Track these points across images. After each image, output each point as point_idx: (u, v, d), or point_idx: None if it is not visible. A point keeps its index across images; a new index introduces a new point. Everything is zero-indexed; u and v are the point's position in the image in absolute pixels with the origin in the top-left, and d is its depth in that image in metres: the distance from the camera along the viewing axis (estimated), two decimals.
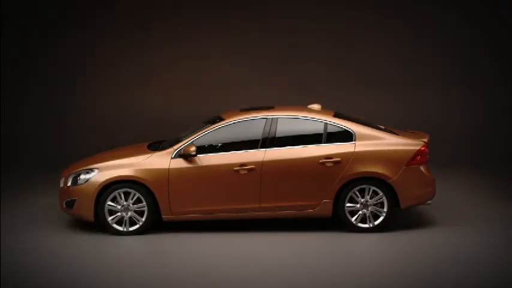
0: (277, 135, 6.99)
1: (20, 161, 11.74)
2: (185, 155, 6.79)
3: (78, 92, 12.74)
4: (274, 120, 7.03)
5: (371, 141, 6.91)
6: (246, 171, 6.77)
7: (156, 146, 7.39)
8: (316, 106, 7.55)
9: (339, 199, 6.85)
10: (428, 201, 7.03)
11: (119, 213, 6.88)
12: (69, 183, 7.05)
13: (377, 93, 12.33)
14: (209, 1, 12.67)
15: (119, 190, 6.84)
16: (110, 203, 6.85)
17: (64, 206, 7.10)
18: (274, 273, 5.64)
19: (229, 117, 7.11)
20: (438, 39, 12.40)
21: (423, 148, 6.91)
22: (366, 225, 6.89)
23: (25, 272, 5.72)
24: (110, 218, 6.87)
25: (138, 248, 6.59)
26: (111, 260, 6.13)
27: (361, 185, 6.82)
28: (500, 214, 7.73)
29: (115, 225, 6.90)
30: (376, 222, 6.87)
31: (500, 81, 12.33)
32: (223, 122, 7.02)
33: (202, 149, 6.89)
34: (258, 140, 6.92)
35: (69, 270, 5.77)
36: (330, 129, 6.99)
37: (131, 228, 6.90)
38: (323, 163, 6.78)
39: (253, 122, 7.04)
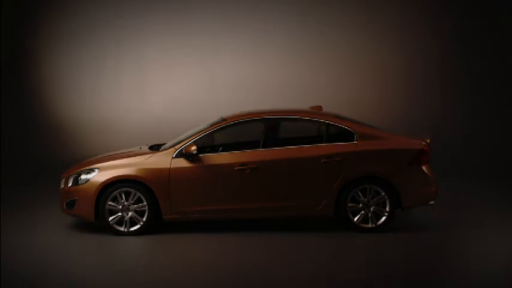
0: (278, 136, 7.00)
1: (21, 161, 11.72)
2: (186, 155, 6.77)
3: (81, 95, 12.73)
4: (275, 121, 7.03)
5: (372, 140, 6.89)
6: (247, 171, 6.75)
7: (157, 147, 7.38)
8: (317, 107, 7.57)
9: (340, 199, 6.83)
10: (431, 202, 6.99)
11: (120, 213, 6.85)
12: (69, 184, 7.02)
13: (377, 96, 12.33)
14: (210, 1, 12.68)
15: (120, 190, 6.81)
16: (110, 202, 6.82)
17: (65, 206, 7.07)
18: (275, 273, 5.61)
19: (231, 118, 7.09)
20: (437, 39, 12.42)
21: (425, 148, 6.88)
22: (368, 225, 6.86)
23: (25, 272, 5.68)
24: (110, 218, 6.84)
25: (139, 248, 6.56)
26: (111, 261, 6.10)
27: (363, 184, 6.80)
28: (500, 214, 7.72)
29: (115, 226, 6.87)
30: (378, 222, 6.85)
31: (500, 82, 12.33)
32: (224, 123, 7.01)
33: (203, 149, 6.88)
34: (259, 140, 6.91)
35: (69, 271, 5.73)
36: (332, 129, 6.98)
37: (132, 229, 6.87)
38: (325, 163, 6.76)
39: (254, 123, 7.05)
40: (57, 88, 12.77)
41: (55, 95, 12.75)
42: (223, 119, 7.11)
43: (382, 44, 12.47)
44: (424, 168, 6.89)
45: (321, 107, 7.63)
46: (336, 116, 7.16)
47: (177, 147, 6.89)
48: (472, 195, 9.04)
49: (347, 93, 12.27)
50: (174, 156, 6.84)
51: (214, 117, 7.46)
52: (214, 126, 7.00)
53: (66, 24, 12.71)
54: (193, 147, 6.72)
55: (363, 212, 6.84)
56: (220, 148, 7.00)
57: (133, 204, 6.83)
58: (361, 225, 6.85)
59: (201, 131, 6.99)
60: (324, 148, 6.84)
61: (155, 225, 6.98)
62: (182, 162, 6.80)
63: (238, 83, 12.49)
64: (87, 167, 7.02)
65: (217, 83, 12.58)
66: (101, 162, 7.02)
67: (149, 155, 6.92)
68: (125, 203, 6.83)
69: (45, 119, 12.62)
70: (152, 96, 12.66)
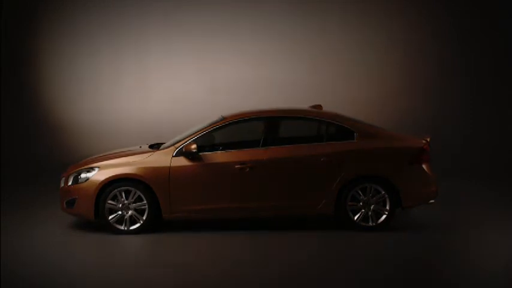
0: (278, 135, 7.01)
1: (21, 161, 11.72)
2: (186, 153, 6.76)
3: (81, 95, 12.73)
4: (275, 120, 7.02)
5: (372, 139, 6.89)
6: (247, 170, 6.74)
7: (157, 146, 7.37)
8: (317, 106, 7.56)
9: (340, 198, 6.82)
10: (431, 201, 6.99)
11: (119, 212, 6.84)
12: (69, 183, 7.01)
13: (377, 96, 12.33)
14: (210, 1, 12.69)
15: (120, 188, 6.80)
16: (110, 201, 6.81)
17: (64, 205, 7.05)
18: (275, 272, 5.60)
19: (231, 116, 7.09)
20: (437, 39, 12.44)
21: (425, 146, 6.88)
22: (368, 224, 6.85)
23: (25, 272, 5.66)
24: (110, 217, 6.83)
25: (138, 247, 6.54)
26: (111, 260, 6.08)
27: (363, 183, 6.79)
28: (500, 214, 7.71)
29: (115, 224, 6.85)
30: (379, 221, 6.83)
31: (500, 82, 12.34)
32: (224, 121, 7.00)
33: (203, 148, 6.88)
34: (259, 139, 6.90)
35: (69, 270, 5.71)
36: (331, 128, 6.98)
37: (132, 227, 6.85)
38: (324, 162, 6.76)
39: (254, 122, 7.05)
40: (57, 88, 12.79)
41: (55, 95, 12.76)
42: (223, 118, 7.11)
43: (381, 44, 12.48)
44: (424, 167, 6.88)
45: (320, 106, 7.63)
46: (336, 115, 7.15)
47: (177, 145, 6.88)
48: (472, 195, 9.04)
49: (346, 93, 12.27)
50: (174, 154, 6.83)
51: (214, 117, 7.46)
52: (214, 125, 6.99)
53: (66, 24, 12.72)
54: (193, 146, 6.72)
55: (363, 210, 6.83)
56: (220, 147, 7.00)
57: (133, 202, 6.83)
58: (362, 223, 6.85)
59: (201, 130, 6.98)
60: (324, 147, 6.84)
61: (155, 224, 6.97)
62: (182, 161, 6.79)
63: (238, 83, 12.49)
64: (87, 166, 7.01)
65: (218, 83, 12.58)
66: (101, 161, 7.01)
67: (149, 154, 6.91)
68: (125, 202, 6.82)
69: (45, 119, 12.62)
70: (152, 97, 12.67)
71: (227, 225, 7.15)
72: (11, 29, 12.60)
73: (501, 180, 10.13)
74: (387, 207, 6.81)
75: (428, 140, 7.00)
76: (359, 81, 12.42)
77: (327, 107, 7.73)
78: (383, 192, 6.78)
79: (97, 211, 6.84)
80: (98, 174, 6.83)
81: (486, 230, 6.94)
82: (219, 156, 6.82)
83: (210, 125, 7.04)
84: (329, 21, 12.52)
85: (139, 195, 6.80)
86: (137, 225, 6.85)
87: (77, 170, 7.05)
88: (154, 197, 6.79)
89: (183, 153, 6.79)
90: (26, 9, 12.69)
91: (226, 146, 6.94)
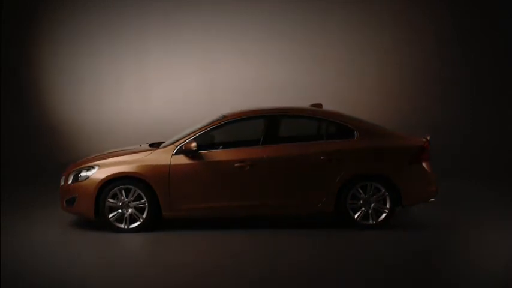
0: (279, 133, 7.01)
1: (21, 161, 11.71)
2: (186, 151, 6.75)
3: (81, 95, 12.73)
4: (276, 118, 7.02)
5: (372, 138, 6.89)
6: (247, 168, 6.73)
7: (157, 145, 7.36)
8: (317, 105, 7.56)
9: (340, 196, 6.81)
10: (431, 199, 6.98)
11: (119, 210, 6.82)
12: (69, 181, 7.00)
13: (377, 96, 12.33)
14: (210, 1, 12.69)
15: (120, 187, 6.79)
16: (110, 199, 6.80)
17: (65, 204, 7.05)
18: (274, 270, 5.59)
19: (231, 115, 7.09)
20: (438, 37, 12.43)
21: (425, 145, 6.88)
22: (369, 222, 6.84)
23: (25, 272, 5.64)
24: (110, 215, 6.82)
25: (139, 245, 6.53)
26: (111, 258, 6.06)
27: (364, 181, 6.78)
28: (500, 214, 7.70)
29: (115, 223, 6.84)
30: (379, 219, 6.82)
31: (500, 82, 12.33)
32: (225, 120, 7.00)
33: (204, 146, 6.88)
34: (259, 137, 6.90)
35: (69, 269, 5.70)
36: (332, 126, 7.00)
37: (132, 226, 6.84)
38: (325, 160, 6.75)
39: (255, 120, 7.06)
40: (57, 88, 12.77)
41: (55, 95, 12.75)
42: (224, 116, 7.10)
43: (382, 45, 12.48)
44: (424, 165, 6.88)
45: (321, 104, 7.63)
46: (336, 114, 7.15)
47: (177, 144, 6.87)
48: (472, 195, 9.03)
49: (347, 93, 12.27)
50: (174, 153, 6.82)
51: (214, 116, 7.45)
52: (215, 124, 6.99)
53: (66, 24, 12.72)
54: (194, 144, 6.71)
55: (363, 209, 6.83)
56: (221, 145, 6.99)
57: (133, 201, 6.82)
58: (362, 222, 6.84)
59: (201, 128, 6.97)
60: (324, 145, 6.83)
61: (155, 222, 6.95)
62: (182, 159, 6.78)
63: (238, 83, 12.49)
64: (87, 164, 7.00)
65: (218, 83, 12.58)
66: (101, 159, 7.01)
67: (149, 152, 6.91)
68: (125, 200, 6.81)
69: (45, 119, 12.61)
70: (152, 97, 12.66)
71: (227, 224, 7.14)
72: (11, 29, 12.60)
73: (501, 180, 10.12)
74: (387, 206, 6.81)
75: (428, 138, 7.00)
76: (359, 81, 12.42)
77: (327, 107, 7.73)
78: (383, 190, 6.78)
79: (97, 209, 6.83)
80: (97, 173, 6.82)
81: (486, 230, 6.93)
82: (219, 155, 6.81)
83: (211, 123, 7.04)
84: (329, 21, 12.53)
85: (139, 194, 6.79)
86: (137, 223, 6.84)
87: (77, 168, 7.04)
88: (154, 195, 6.78)
89: (183, 151, 6.78)
90: (26, 9, 12.68)
91: (226, 145, 6.94)
